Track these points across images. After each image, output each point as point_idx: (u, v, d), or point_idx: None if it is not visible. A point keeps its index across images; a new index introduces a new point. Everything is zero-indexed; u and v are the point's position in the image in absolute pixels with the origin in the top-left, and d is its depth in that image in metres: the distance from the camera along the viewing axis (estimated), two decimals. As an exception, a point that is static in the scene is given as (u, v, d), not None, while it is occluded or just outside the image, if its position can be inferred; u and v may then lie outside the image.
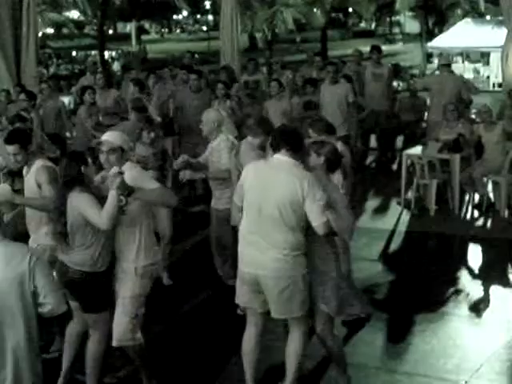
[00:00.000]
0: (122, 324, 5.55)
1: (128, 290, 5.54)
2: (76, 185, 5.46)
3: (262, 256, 5.30)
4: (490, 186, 11.05)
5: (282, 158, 5.39)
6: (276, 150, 5.43)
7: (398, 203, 11.30)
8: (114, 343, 5.61)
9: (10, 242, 4.03)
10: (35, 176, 6.08)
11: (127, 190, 5.28)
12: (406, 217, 10.77)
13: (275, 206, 5.25)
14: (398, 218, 10.73)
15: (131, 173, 5.46)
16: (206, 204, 9.76)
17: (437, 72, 21.16)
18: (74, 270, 5.49)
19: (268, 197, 5.28)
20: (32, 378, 3.99)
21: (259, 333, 5.60)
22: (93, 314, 5.62)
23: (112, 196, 5.25)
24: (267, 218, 5.27)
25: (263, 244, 5.29)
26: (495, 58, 20.33)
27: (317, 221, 5.19)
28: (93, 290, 5.53)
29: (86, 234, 5.46)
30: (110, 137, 5.65)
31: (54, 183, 5.92)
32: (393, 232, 10.11)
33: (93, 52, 33.91)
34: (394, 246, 9.64)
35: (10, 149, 6.16)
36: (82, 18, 53.84)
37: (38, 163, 6.14)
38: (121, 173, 5.33)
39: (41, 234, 6.15)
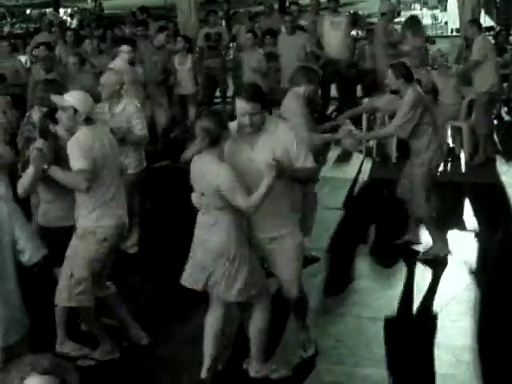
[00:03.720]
0: (60, 283, 5.59)
1: (68, 249, 5.58)
2: None
3: None
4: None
5: None
6: None
7: (360, 151, 11.35)
8: (55, 301, 5.66)
9: None
10: None
11: (43, 166, 5.42)
12: (367, 165, 10.84)
13: None
14: (359, 166, 10.80)
15: (69, 143, 5.52)
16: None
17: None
18: None
19: None
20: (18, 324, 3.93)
21: None
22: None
23: (29, 168, 5.43)
24: None
25: None
26: (452, 3, 20.31)
27: None
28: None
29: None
30: (68, 94, 5.74)
31: None
32: (355, 180, 10.19)
33: (47, 10, 33.25)
34: (356, 194, 9.73)
35: None
36: (35, -24, 52.73)
37: None
38: (39, 149, 5.47)
39: None
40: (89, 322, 5.77)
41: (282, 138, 5.05)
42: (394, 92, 7.78)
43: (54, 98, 5.75)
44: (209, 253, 5.01)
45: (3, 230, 3.86)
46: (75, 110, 5.56)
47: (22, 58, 13.77)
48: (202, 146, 4.96)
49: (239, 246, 5.01)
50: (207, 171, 4.92)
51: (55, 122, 5.71)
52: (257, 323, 5.26)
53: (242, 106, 5.01)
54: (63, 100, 5.64)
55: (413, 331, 6.09)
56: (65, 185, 5.51)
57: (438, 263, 7.45)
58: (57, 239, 5.60)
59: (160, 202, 9.31)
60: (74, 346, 5.84)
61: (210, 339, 5.27)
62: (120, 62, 9.48)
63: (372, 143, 11.16)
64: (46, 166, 5.42)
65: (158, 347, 5.91)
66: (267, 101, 5.23)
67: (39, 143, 5.64)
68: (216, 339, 5.28)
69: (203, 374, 5.28)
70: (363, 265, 7.53)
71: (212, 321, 5.28)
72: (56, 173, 5.47)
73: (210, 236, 5.00)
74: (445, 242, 7.53)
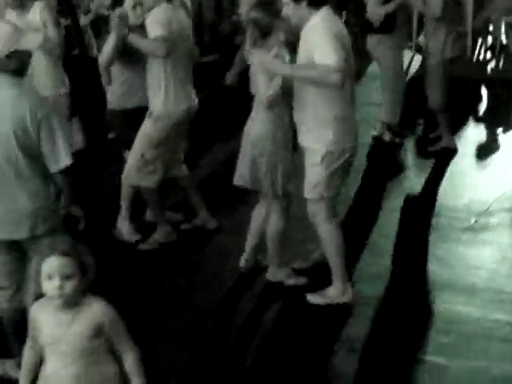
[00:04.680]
0: (129, 162, 5.68)
1: (140, 129, 5.58)
2: None
3: None
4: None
5: None
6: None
7: (410, 47, 11.12)
8: (123, 180, 5.78)
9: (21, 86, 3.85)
10: None
11: (124, 31, 5.39)
12: (417, 61, 10.63)
13: None
14: (409, 62, 10.60)
15: (150, 14, 5.42)
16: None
17: None
18: None
19: None
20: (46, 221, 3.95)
21: None
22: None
23: (110, 37, 5.45)
24: None
25: None
26: None
27: None
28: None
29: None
30: None
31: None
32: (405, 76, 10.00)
33: None
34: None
35: None
36: None
37: None
38: (120, 17, 5.42)
39: None
40: (152, 204, 5.85)
41: (310, 37, 4.56)
42: None
43: None
44: (248, 145, 4.98)
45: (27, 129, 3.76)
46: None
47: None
48: (252, 39, 4.82)
49: (272, 141, 4.88)
50: (256, 63, 4.78)
51: (119, 4, 5.64)
52: (272, 225, 5.15)
53: None
54: None
55: (458, 226, 6.06)
56: (143, 51, 5.42)
57: (485, 160, 7.39)
58: (124, 121, 5.69)
59: (208, 97, 9.26)
60: (131, 230, 5.96)
61: (251, 232, 5.33)
62: None
63: (422, 39, 10.91)
64: (126, 32, 5.38)
65: (203, 238, 5.98)
66: None
67: (120, 10, 5.54)
68: (256, 233, 5.29)
69: (241, 263, 5.38)
70: (409, 159, 7.51)
71: (256, 215, 5.30)
72: (135, 39, 5.41)
73: (251, 129, 4.97)
74: (451, 137, 7.72)
